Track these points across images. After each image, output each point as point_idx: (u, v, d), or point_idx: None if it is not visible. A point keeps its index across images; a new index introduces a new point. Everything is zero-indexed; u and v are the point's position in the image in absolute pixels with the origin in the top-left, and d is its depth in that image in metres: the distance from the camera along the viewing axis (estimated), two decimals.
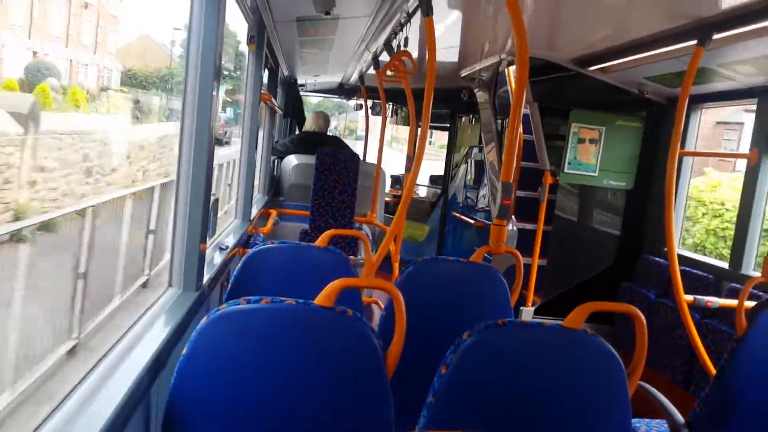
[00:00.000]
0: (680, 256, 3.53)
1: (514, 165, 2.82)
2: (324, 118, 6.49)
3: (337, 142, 6.48)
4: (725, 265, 4.17)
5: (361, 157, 6.42)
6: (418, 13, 3.16)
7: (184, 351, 1.57)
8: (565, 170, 5.01)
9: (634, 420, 2.43)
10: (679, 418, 2.29)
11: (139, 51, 22.58)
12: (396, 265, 4.30)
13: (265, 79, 5.37)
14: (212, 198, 2.56)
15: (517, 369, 1.65)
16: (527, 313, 4.56)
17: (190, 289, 2.34)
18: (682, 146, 4.47)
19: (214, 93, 2.33)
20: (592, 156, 5.09)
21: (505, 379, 1.64)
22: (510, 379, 1.65)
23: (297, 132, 8.26)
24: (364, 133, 8.15)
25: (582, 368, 1.68)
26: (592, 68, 4.49)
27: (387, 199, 8.20)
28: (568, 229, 6.08)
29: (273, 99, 5.77)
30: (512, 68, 4.81)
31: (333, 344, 1.62)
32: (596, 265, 5.44)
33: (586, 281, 5.29)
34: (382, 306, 3.04)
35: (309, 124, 6.50)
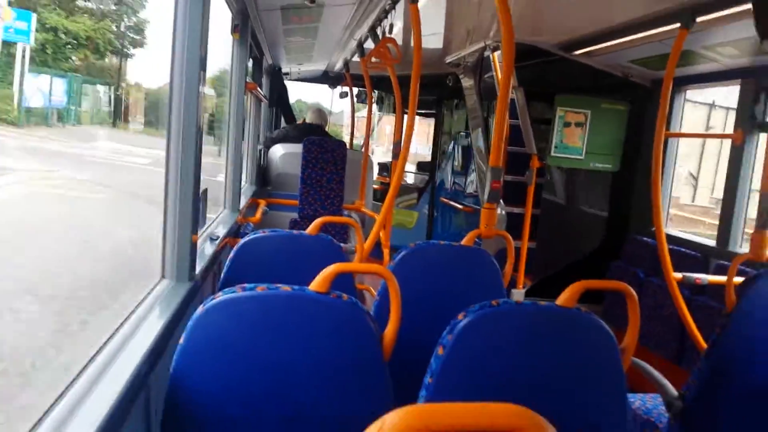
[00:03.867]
0: (668, 236, 3.57)
1: (502, 149, 2.84)
2: (323, 114, 6.79)
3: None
4: (713, 243, 4.23)
5: (348, 145, 6.42)
6: (403, 0, 3.16)
7: (181, 340, 1.57)
8: (552, 153, 5.04)
9: (628, 395, 2.47)
10: (673, 391, 2.33)
11: None
12: (386, 252, 4.32)
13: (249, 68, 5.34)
14: (201, 189, 2.56)
15: (512, 348, 1.67)
16: (518, 295, 4.60)
17: (183, 280, 2.33)
18: (667, 128, 4.51)
19: (201, 84, 2.32)
20: (578, 139, 5.12)
21: (501, 358, 1.65)
22: (506, 357, 1.66)
23: (282, 121, 8.25)
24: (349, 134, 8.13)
25: (577, 346, 1.70)
26: (577, 52, 4.51)
27: (375, 186, 8.21)
28: (557, 211, 6.13)
29: (258, 88, 5.74)
30: (497, 53, 4.82)
31: (330, 329, 1.63)
32: (585, 247, 5.50)
33: (576, 262, 5.34)
34: (375, 292, 3.05)
35: (310, 118, 6.71)
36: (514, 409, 0.97)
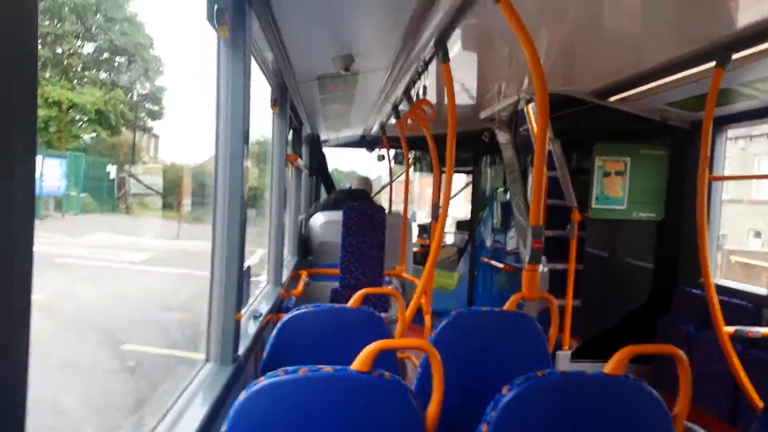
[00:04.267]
0: (718, 286, 3.45)
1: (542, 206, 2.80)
2: (368, 182, 7.08)
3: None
4: (765, 291, 4.06)
5: (387, 209, 6.47)
6: (435, 61, 3.23)
7: (223, 428, 1.57)
8: (593, 205, 4.97)
9: None
10: None
11: None
12: (428, 318, 4.27)
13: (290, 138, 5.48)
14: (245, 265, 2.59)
15: (560, 421, 1.63)
16: (564, 357, 4.46)
17: (226, 363, 2.35)
18: (711, 171, 4.42)
19: (245, 158, 2.38)
20: (619, 188, 5.06)
21: (549, 431, 1.61)
22: (555, 431, 1.62)
23: (323, 189, 8.41)
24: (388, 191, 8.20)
25: (627, 416, 1.66)
26: (612, 99, 4.51)
27: (415, 249, 8.20)
28: (601, 265, 5.99)
29: (299, 158, 5.87)
30: (531, 105, 4.85)
31: (373, 409, 1.62)
32: (632, 301, 5.33)
33: (623, 318, 5.17)
34: (416, 362, 3.02)
35: (356, 185, 6.96)
36: None
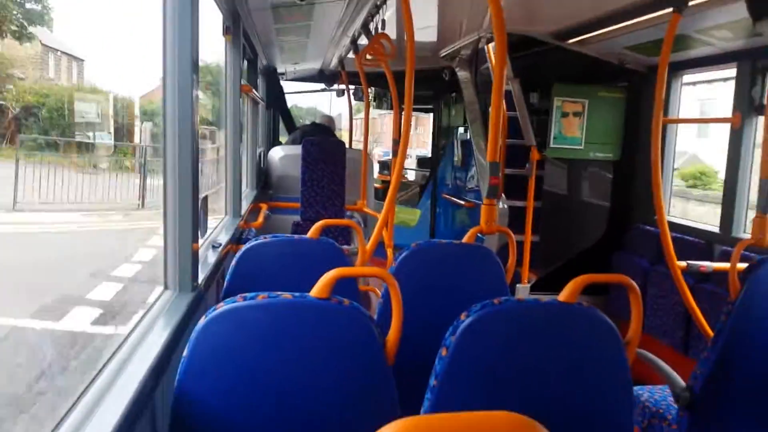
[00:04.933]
0: (670, 223, 3.55)
1: (500, 143, 2.80)
2: (332, 120, 7.17)
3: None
4: (716, 229, 4.20)
5: (347, 144, 6.42)
6: None
7: (184, 353, 1.57)
8: (551, 145, 5.01)
9: (636, 387, 2.45)
10: (680, 382, 2.32)
11: None
12: (390, 251, 4.31)
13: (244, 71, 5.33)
14: (201, 196, 2.55)
15: (516, 346, 1.66)
16: (523, 290, 4.58)
17: (186, 290, 2.33)
18: (665, 114, 4.48)
19: (194, 87, 2.30)
20: (576, 129, 5.09)
21: (505, 357, 1.65)
22: (510, 356, 1.65)
23: (282, 124, 8.29)
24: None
25: (580, 341, 1.70)
26: (572, 41, 4.48)
27: (376, 185, 8.20)
28: (558, 203, 6.10)
29: (254, 90, 5.73)
30: (492, 45, 4.79)
31: (332, 335, 1.63)
32: (588, 238, 5.47)
33: (579, 254, 5.32)
34: (379, 293, 3.05)
35: (320, 120, 7.07)
36: (514, 419, 0.97)
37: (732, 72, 4.09)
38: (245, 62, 5.34)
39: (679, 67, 4.51)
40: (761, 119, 3.92)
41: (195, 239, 2.40)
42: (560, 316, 1.70)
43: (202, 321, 1.58)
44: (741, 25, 3.43)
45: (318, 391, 1.61)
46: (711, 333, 2.54)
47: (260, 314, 1.60)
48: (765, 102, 3.82)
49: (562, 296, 1.72)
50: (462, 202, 6.32)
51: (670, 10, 3.06)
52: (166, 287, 2.34)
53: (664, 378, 2.38)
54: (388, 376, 1.66)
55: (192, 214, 2.35)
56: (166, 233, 2.33)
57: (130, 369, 1.64)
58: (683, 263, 3.39)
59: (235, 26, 3.99)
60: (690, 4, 2.99)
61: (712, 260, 3.87)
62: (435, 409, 1.61)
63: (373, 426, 1.60)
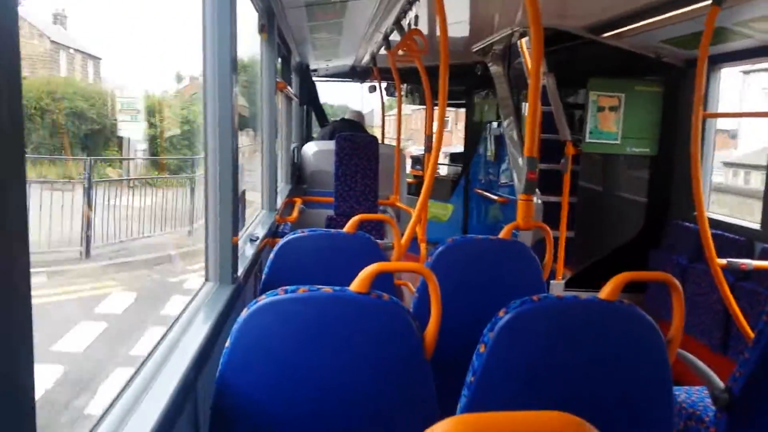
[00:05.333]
0: (710, 220, 3.48)
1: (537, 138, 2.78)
2: (360, 114, 7.20)
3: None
4: (757, 226, 4.11)
5: (380, 140, 6.45)
6: None
7: (227, 344, 1.59)
8: (587, 140, 4.96)
9: (674, 388, 2.42)
10: (719, 384, 2.27)
11: None
12: (423, 247, 4.32)
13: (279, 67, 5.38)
14: (240, 190, 2.60)
15: (555, 344, 1.65)
16: (558, 287, 4.55)
17: (226, 283, 2.38)
18: (705, 108, 4.39)
19: (234, 85, 2.35)
20: (613, 124, 5.03)
21: (544, 354, 1.64)
22: (549, 354, 1.64)
23: (315, 119, 8.36)
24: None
25: (621, 339, 1.68)
26: (607, 34, 4.42)
27: (409, 180, 8.20)
28: (594, 199, 6.03)
29: (288, 87, 5.79)
30: (525, 39, 4.75)
31: (372, 329, 1.63)
32: (625, 234, 5.39)
33: (615, 251, 5.25)
34: (413, 288, 3.05)
35: (350, 116, 7.11)
36: (564, 418, 0.96)
37: None
38: (279, 60, 5.40)
39: (717, 60, 4.42)
40: None
41: (235, 233, 2.45)
42: (601, 313, 1.68)
43: (245, 313, 1.60)
44: None
45: (357, 384, 1.63)
46: (751, 333, 2.49)
47: (301, 307, 1.61)
48: None
49: (603, 293, 1.69)
50: (495, 197, 6.29)
51: (709, 2, 3.00)
52: (207, 279, 2.39)
53: (703, 378, 2.34)
54: (427, 370, 1.66)
55: (232, 209, 2.39)
56: (208, 227, 2.38)
57: (173, 360, 1.68)
58: (723, 261, 3.32)
59: (270, 24, 4.04)
60: None
61: (753, 258, 3.79)
62: (472, 406, 1.61)
63: (411, 419, 1.62)
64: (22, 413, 0.86)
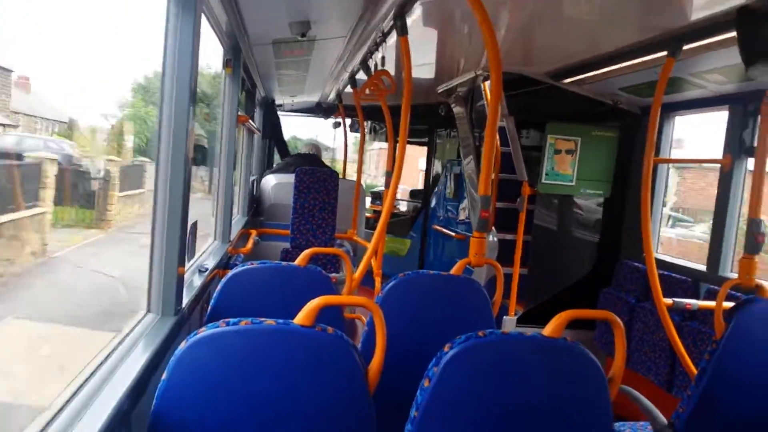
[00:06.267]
0: (658, 261, 3.58)
1: (492, 177, 2.84)
2: (316, 147, 7.26)
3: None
4: (703, 267, 4.24)
5: (341, 175, 6.47)
6: (394, 33, 3.20)
7: (163, 376, 1.56)
8: (543, 180, 5.07)
9: (617, 423, 2.45)
10: (662, 419, 2.32)
11: None
12: (378, 280, 4.31)
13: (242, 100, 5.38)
14: (190, 221, 2.55)
15: (499, 379, 1.66)
16: (510, 323, 4.58)
17: (168, 314, 2.33)
18: (656, 154, 4.54)
19: (190, 117, 2.34)
20: (569, 166, 5.15)
21: (488, 389, 1.65)
22: (493, 389, 1.65)
23: (276, 151, 8.34)
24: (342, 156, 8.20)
25: (563, 376, 1.70)
26: (567, 81, 4.56)
27: (367, 215, 8.22)
28: (548, 238, 6.14)
29: (251, 120, 5.77)
30: (488, 83, 4.87)
31: (314, 363, 1.62)
32: (576, 272, 5.49)
33: (567, 288, 5.33)
34: (365, 321, 3.05)
35: (305, 150, 7.19)
36: None
37: (723, 115, 4.18)
38: (243, 93, 5.39)
39: (671, 108, 4.59)
40: (751, 161, 3.99)
41: (181, 263, 2.41)
42: (544, 350, 1.70)
43: (183, 345, 1.57)
44: (734, 69, 3.51)
45: (298, 419, 1.61)
46: (695, 371, 2.56)
47: (242, 340, 1.59)
48: (755, 144, 3.89)
49: (547, 330, 1.73)
50: (452, 234, 6.35)
51: (665, 53, 3.14)
52: (148, 310, 2.34)
53: (647, 414, 2.39)
54: (369, 406, 1.66)
55: (180, 239, 2.36)
56: (152, 256, 2.34)
57: (107, 390, 1.63)
58: (669, 300, 3.42)
59: (235, 59, 4.05)
60: (684, 48, 3.06)
61: (698, 299, 3.90)
62: None
63: None
64: None
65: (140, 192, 8.15)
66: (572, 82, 4.55)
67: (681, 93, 4.25)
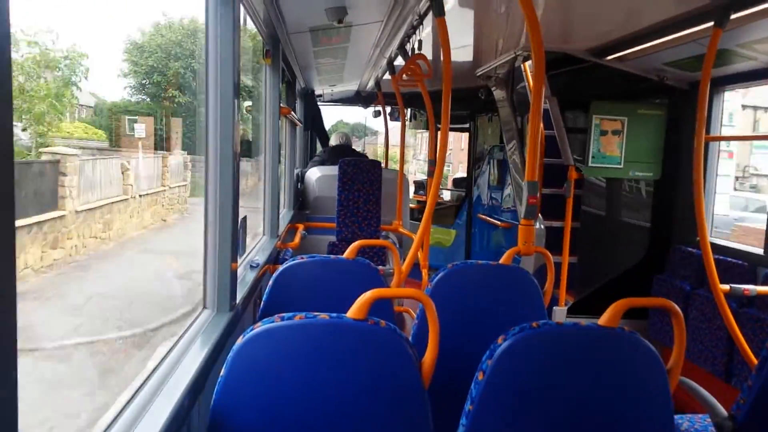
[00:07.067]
0: (713, 245, 3.45)
1: (538, 162, 2.78)
2: (345, 135, 7.12)
3: (360, 155, 6.82)
4: (760, 251, 4.08)
5: (383, 165, 6.46)
6: (430, 15, 3.17)
7: (222, 372, 1.59)
8: (590, 164, 4.96)
9: (676, 416, 2.37)
10: (722, 411, 2.23)
11: None
12: (425, 272, 4.30)
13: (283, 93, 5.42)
14: (240, 216, 2.59)
15: (555, 371, 1.64)
16: (560, 313, 4.51)
17: (224, 310, 2.37)
18: (708, 131, 4.39)
19: (236, 111, 2.36)
20: (615, 147, 5.03)
21: (543, 381, 1.63)
22: (548, 381, 1.63)
23: (318, 142, 8.40)
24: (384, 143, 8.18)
25: (621, 367, 1.66)
26: (610, 57, 4.44)
27: (411, 205, 8.19)
28: (597, 224, 6.01)
29: (292, 112, 5.82)
30: (528, 63, 4.78)
31: (368, 357, 1.63)
32: (628, 260, 5.36)
33: (619, 276, 5.21)
34: (414, 314, 3.04)
35: (335, 141, 7.02)
36: None
37: None
38: (284, 85, 5.44)
39: (720, 83, 4.42)
40: None
41: (234, 259, 2.45)
42: (600, 340, 1.67)
43: (240, 341, 1.59)
44: None
45: (353, 413, 1.61)
46: (755, 360, 2.46)
47: (297, 335, 1.61)
48: None
49: (603, 320, 1.69)
50: (497, 222, 6.27)
51: (711, 24, 3.02)
52: (204, 307, 2.38)
53: (706, 407, 2.31)
54: (424, 399, 1.65)
55: (232, 235, 2.39)
56: (206, 254, 2.38)
57: (167, 388, 1.67)
58: (726, 286, 3.29)
59: (275, 50, 4.07)
60: (732, 17, 2.94)
61: (756, 283, 3.76)
62: None
63: None
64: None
65: None
66: (615, 58, 4.42)
67: (730, 66, 4.09)
